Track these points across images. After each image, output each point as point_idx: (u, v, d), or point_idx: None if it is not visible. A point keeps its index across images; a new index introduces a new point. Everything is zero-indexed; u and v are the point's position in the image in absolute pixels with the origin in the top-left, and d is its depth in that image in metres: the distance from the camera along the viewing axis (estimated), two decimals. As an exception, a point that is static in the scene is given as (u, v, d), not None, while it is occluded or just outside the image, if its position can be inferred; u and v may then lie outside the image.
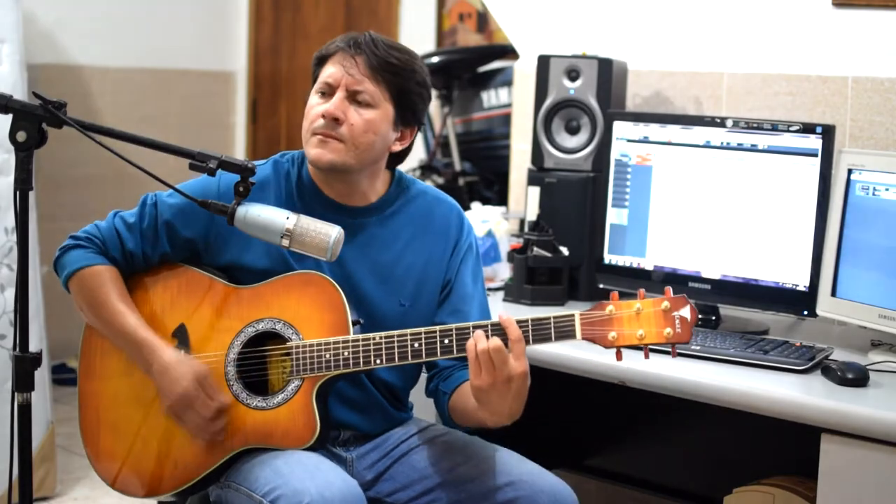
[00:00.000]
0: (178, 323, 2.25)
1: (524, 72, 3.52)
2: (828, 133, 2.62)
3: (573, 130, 3.12)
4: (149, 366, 2.19)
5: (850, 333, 2.70)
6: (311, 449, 2.15)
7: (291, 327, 2.19)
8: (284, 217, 2.11)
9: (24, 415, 2.01)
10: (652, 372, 2.35)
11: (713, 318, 2.78)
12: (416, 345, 2.11)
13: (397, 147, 2.28)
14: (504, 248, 3.31)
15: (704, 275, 2.78)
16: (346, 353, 2.13)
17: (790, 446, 2.56)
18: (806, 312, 2.65)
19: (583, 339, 2.05)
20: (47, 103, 2.00)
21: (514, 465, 2.22)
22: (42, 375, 3.62)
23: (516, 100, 3.63)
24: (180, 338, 2.24)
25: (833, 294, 2.57)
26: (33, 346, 2.03)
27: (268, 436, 2.16)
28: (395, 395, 2.34)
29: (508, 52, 4.18)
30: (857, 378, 2.26)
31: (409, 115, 2.26)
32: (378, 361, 2.13)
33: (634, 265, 2.88)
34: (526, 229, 3.08)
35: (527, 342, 2.06)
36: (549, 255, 2.98)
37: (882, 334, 2.53)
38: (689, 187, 2.80)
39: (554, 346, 2.11)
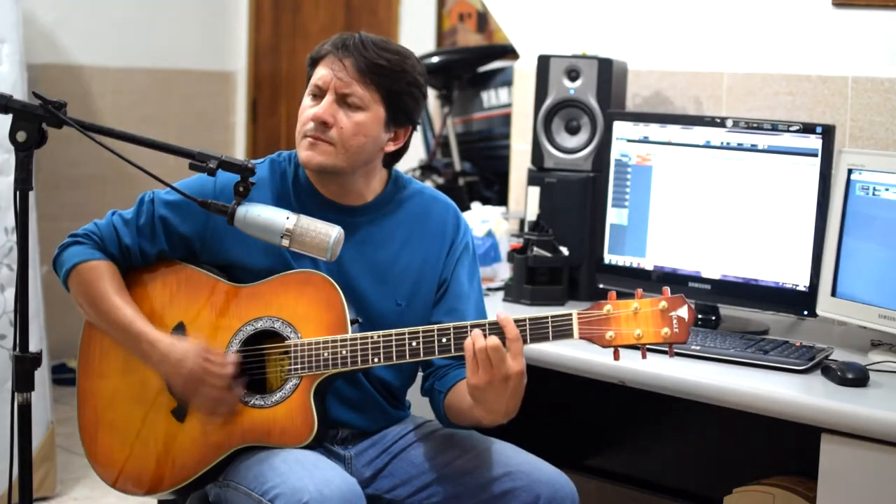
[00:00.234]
0: (176, 321, 2.25)
1: (524, 72, 3.52)
2: (828, 133, 2.62)
3: (573, 130, 3.12)
4: (148, 357, 2.19)
5: (850, 333, 2.70)
6: (309, 447, 2.16)
7: (290, 326, 2.19)
8: (284, 217, 2.11)
9: (24, 415, 2.01)
10: (651, 372, 2.35)
11: (713, 318, 2.78)
12: (414, 343, 2.11)
13: (391, 147, 2.28)
14: (504, 248, 3.32)
15: (704, 275, 2.78)
16: (344, 352, 2.14)
17: (790, 446, 2.56)
18: (806, 312, 2.65)
19: (580, 338, 2.05)
20: (47, 103, 2.00)
21: (511, 456, 2.22)
22: (42, 375, 3.62)
23: (516, 100, 3.63)
24: (179, 336, 2.24)
25: (833, 294, 2.57)
26: (33, 346, 2.03)
27: (266, 434, 2.17)
28: (392, 393, 2.34)
29: (508, 52, 4.18)
30: (857, 378, 2.26)
31: (401, 116, 2.25)
32: (376, 360, 2.13)
33: (634, 265, 2.88)
34: (526, 229, 3.08)
35: (524, 341, 2.07)
36: (549, 255, 2.98)
37: (882, 334, 2.53)
38: (689, 187, 2.80)
39: (553, 346, 2.12)
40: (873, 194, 2.52)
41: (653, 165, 2.85)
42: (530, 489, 2.16)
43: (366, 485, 2.25)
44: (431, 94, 4.62)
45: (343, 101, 2.20)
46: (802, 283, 2.64)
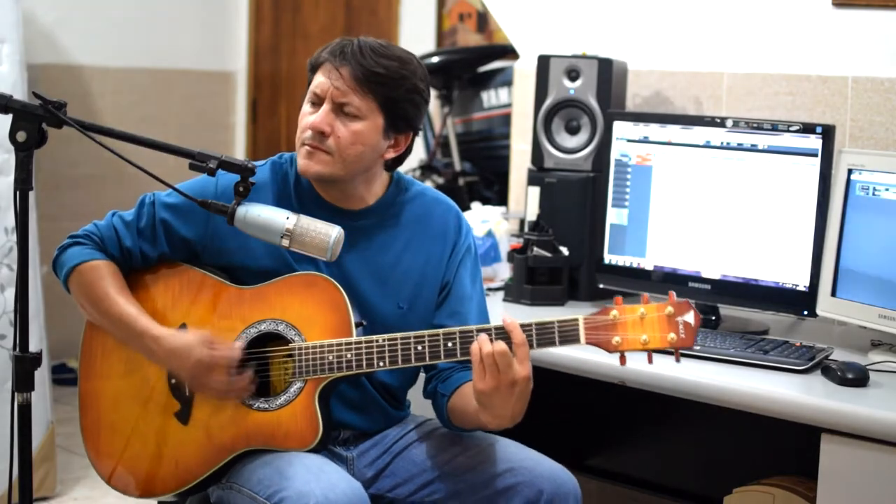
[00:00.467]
0: (179, 323, 2.25)
1: (524, 72, 3.52)
2: (828, 133, 2.62)
3: (573, 130, 3.12)
4: (153, 353, 2.18)
5: (850, 333, 2.70)
6: (314, 450, 2.15)
7: (294, 329, 2.18)
8: (284, 217, 2.11)
9: (24, 415, 2.01)
10: (652, 372, 2.34)
11: (713, 318, 2.78)
12: (420, 347, 2.11)
13: (391, 154, 2.26)
14: (504, 248, 3.31)
15: (704, 275, 2.78)
16: (349, 356, 2.13)
17: (790, 446, 2.56)
18: (806, 312, 2.65)
19: (587, 343, 2.05)
20: (47, 103, 2.00)
21: (513, 453, 2.22)
22: (42, 375, 3.61)
23: (516, 100, 3.63)
24: (181, 330, 2.23)
25: (833, 294, 2.57)
26: (33, 346, 2.03)
27: (270, 437, 2.16)
28: (393, 395, 2.34)
29: (508, 52, 4.18)
30: (857, 378, 2.26)
31: (400, 123, 2.23)
32: (381, 364, 2.12)
33: (634, 265, 2.88)
34: (526, 229, 3.08)
35: (530, 346, 2.06)
36: (549, 255, 2.98)
37: (882, 334, 2.53)
38: (689, 187, 2.80)
39: (556, 347, 2.11)
40: (873, 194, 2.52)
41: (653, 165, 2.85)
42: (533, 484, 2.15)
43: (368, 485, 2.25)
44: (431, 94, 4.63)
45: (340, 109, 2.18)
46: (802, 283, 2.64)
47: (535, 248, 2.98)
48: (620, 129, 2.90)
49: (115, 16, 5.33)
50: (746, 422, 2.43)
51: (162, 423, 2.23)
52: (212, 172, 2.10)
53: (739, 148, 2.72)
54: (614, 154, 2.91)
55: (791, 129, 2.66)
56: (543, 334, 2.06)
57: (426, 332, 2.12)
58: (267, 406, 2.17)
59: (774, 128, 2.68)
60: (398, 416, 2.37)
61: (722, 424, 2.87)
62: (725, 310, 2.82)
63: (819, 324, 2.80)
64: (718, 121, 2.76)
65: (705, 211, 2.78)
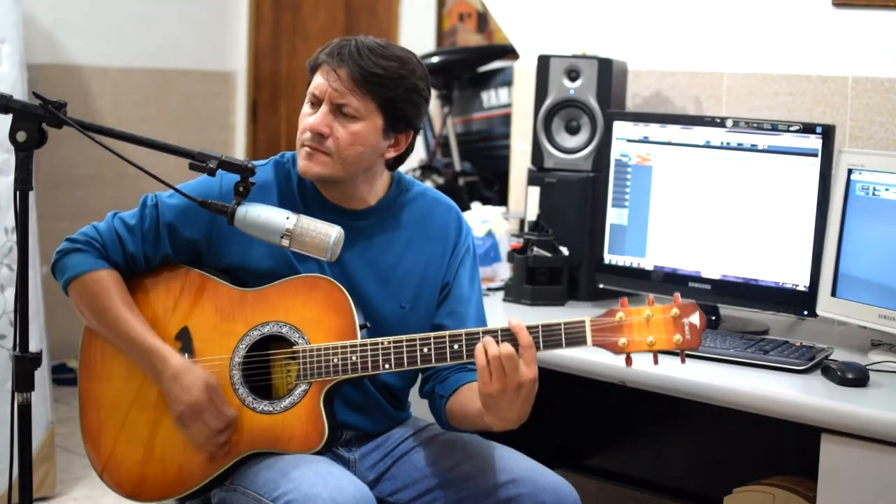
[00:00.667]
0: (181, 326, 2.24)
1: (524, 72, 3.52)
2: (828, 133, 2.62)
3: (573, 130, 3.12)
4: (158, 373, 2.17)
5: (850, 333, 2.70)
6: (318, 453, 2.15)
7: (298, 331, 2.18)
8: (284, 217, 2.10)
9: (24, 415, 2.01)
10: (651, 372, 2.34)
11: (713, 318, 2.78)
12: (426, 350, 2.10)
13: (391, 154, 2.26)
14: (504, 248, 3.31)
15: (704, 275, 2.78)
16: (354, 358, 2.13)
17: (790, 446, 2.56)
18: (806, 312, 2.65)
19: (593, 345, 2.05)
20: (47, 103, 2.00)
21: (515, 463, 2.22)
22: (42, 375, 3.61)
23: (516, 100, 3.63)
24: (183, 341, 2.23)
25: (833, 294, 2.57)
26: (33, 346, 2.03)
27: (275, 440, 2.16)
28: (394, 395, 2.34)
29: (508, 52, 4.18)
30: (857, 378, 2.26)
31: (399, 123, 2.22)
32: (387, 366, 2.12)
33: (634, 265, 2.88)
34: (526, 229, 3.08)
35: (537, 348, 2.05)
36: (549, 255, 2.98)
37: (882, 334, 2.53)
38: (689, 187, 2.80)
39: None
40: (873, 194, 2.52)
41: (653, 165, 2.85)
42: (535, 496, 2.15)
43: (370, 488, 2.24)
44: (432, 94, 4.63)
45: (339, 110, 2.17)
46: (802, 283, 2.64)
47: (535, 248, 2.98)
48: (620, 129, 2.90)
49: (115, 16, 5.33)
50: (746, 422, 2.43)
51: (165, 426, 2.22)
52: (212, 172, 2.10)
53: (739, 148, 2.72)
54: (614, 154, 2.91)
55: (791, 129, 2.66)
56: (550, 336, 2.06)
57: (431, 334, 2.11)
58: (271, 409, 2.17)
59: (774, 128, 2.68)
60: (400, 416, 2.37)
61: (722, 424, 2.87)
62: (725, 310, 2.82)
63: (819, 324, 2.80)
64: (718, 121, 2.76)
65: (705, 211, 2.78)
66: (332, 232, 2.10)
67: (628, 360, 2.05)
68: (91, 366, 2.28)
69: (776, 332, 2.75)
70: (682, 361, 2.07)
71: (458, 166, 4.39)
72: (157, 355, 2.17)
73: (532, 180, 3.13)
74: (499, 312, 2.90)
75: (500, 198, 4.19)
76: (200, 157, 2.11)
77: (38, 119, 1.99)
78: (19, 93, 3.58)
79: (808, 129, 2.64)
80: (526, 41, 3.58)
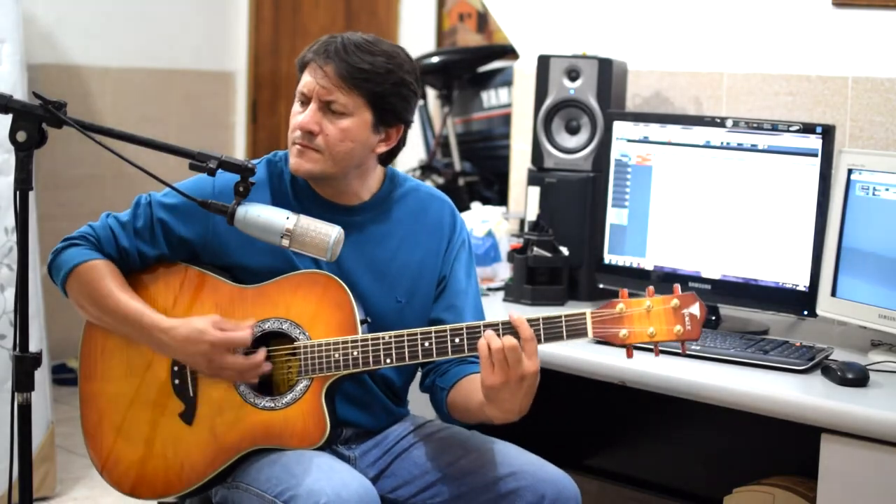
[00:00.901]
0: (181, 323, 2.24)
1: (524, 72, 3.52)
2: (828, 133, 2.62)
3: (573, 130, 3.12)
4: (164, 345, 2.17)
5: (850, 333, 2.70)
6: (319, 449, 2.15)
7: (298, 327, 2.18)
8: (284, 217, 2.11)
9: (24, 415, 2.01)
10: (651, 372, 2.35)
11: (713, 318, 2.78)
12: (427, 344, 2.11)
13: (382, 148, 2.26)
14: (504, 248, 3.32)
15: (704, 275, 2.78)
16: (355, 353, 2.13)
17: (790, 446, 2.56)
18: (806, 312, 2.65)
19: (594, 337, 2.05)
20: (47, 103, 2.00)
21: (514, 457, 2.22)
22: (42, 375, 3.61)
23: (516, 100, 3.63)
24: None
25: (833, 294, 2.57)
26: (33, 346, 2.03)
27: (277, 436, 2.16)
28: (394, 391, 2.34)
29: (508, 52, 4.18)
30: (857, 378, 2.26)
31: (389, 117, 2.23)
32: (388, 361, 2.13)
33: (634, 265, 2.88)
34: (526, 229, 3.08)
35: (538, 341, 2.06)
36: (549, 255, 2.98)
37: (882, 334, 2.53)
38: (689, 187, 2.80)
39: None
40: (873, 194, 2.52)
41: (653, 165, 2.85)
42: (535, 489, 2.16)
43: (370, 485, 2.25)
44: (431, 94, 4.63)
45: (327, 107, 2.19)
46: (802, 283, 2.64)
47: (535, 248, 2.98)
48: (620, 129, 2.90)
49: (115, 16, 5.33)
50: (746, 422, 2.43)
51: (166, 424, 2.22)
52: (212, 172, 2.10)
53: (739, 148, 2.72)
54: (614, 154, 2.91)
55: (791, 129, 2.66)
56: (551, 329, 2.07)
57: (432, 328, 2.12)
58: (273, 405, 2.17)
59: (774, 128, 2.68)
60: (399, 412, 2.37)
61: (722, 424, 2.87)
62: (725, 310, 2.82)
63: (819, 324, 2.80)
64: (718, 121, 2.76)
65: (705, 211, 2.78)
66: (332, 232, 2.10)
67: (629, 352, 2.06)
68: (91, 364, 2.29)
69: (776, 332, 2.75)
70: (684, 353, 2.08)
71: (458, 166, 4.40)
72: (158, 328, 2.17)
73: (532, 180, 3.13)
74: (499, 312, 2.90)
75: (500, 198, 4.19)
76: (200, 157, 2.11)
77: (38, 119, 2.00)
78: (19, 93, 3.58)
79: (808, 129, 2.64)
80: (526, 41, 3.58)
